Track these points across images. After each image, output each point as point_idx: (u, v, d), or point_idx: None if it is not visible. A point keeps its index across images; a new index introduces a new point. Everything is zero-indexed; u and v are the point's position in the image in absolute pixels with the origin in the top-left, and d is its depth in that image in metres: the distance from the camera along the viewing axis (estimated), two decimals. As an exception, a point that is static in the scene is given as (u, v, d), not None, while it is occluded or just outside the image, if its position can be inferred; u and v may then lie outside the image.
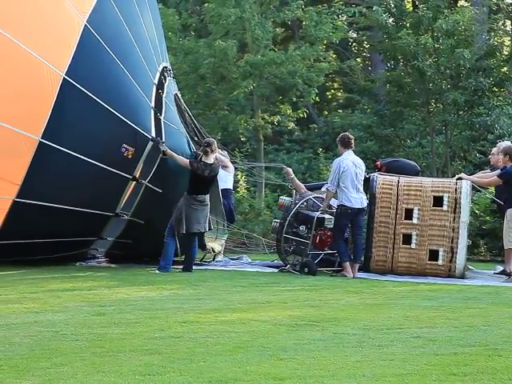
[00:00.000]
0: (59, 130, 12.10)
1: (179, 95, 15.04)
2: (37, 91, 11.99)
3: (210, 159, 12.96)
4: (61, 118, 12.08)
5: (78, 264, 13.35)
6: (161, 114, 13.30)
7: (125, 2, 13.26)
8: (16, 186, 12.00)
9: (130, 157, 12.66)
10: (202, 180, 12.91)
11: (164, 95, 13.62)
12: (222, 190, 14.62)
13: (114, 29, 12.90)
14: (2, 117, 11.60)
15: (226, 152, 15.64)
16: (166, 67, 14.32)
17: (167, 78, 14.09)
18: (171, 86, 14.25)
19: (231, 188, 15.33)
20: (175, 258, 13.24)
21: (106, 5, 12.73)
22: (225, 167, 14.89)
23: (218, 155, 14.54)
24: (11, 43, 11.61)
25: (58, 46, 12.18)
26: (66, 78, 12.06)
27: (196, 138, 14.28)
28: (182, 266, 13.04)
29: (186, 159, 13.04)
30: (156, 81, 13.54)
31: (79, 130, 12.39)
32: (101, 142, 12.56)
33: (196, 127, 14.95)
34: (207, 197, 13.05)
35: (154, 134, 12.94)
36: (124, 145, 12.62)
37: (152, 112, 13.13)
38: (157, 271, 12.68)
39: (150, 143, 12.82)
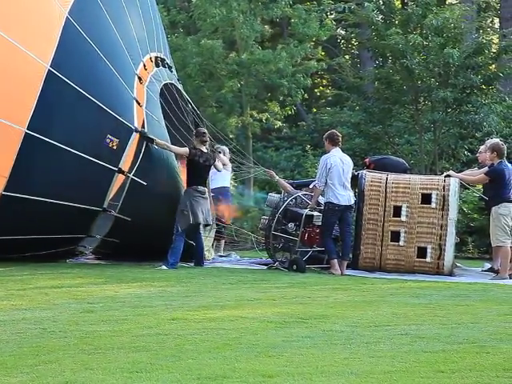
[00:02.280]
0: (45, 121, 12.08)
1: (178, 85, 14.99)
2: (22, 82, 11.95)
3: (204, 148, 13.08)
4: (46, 109, 12.04)
5: (68, 261, 13.33)
6: (142, 104, 13.28)
7: None
8: (3, 179, 11.97)
9: (114, 148, 12.66)
10: (198, 168, 13.09)
11: (146, 84, 13.57)
12: (220, 187, 14.67)
13: (95, 20, 12.86)
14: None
15: (226, 148, 15.65)
16: (158, 57, 14.27)
17: (155, 68, 14.03)
18: (159, 76, 14.18)
19: (228, 186, 15.36)
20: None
21: None
22: (223, 165, 14.94)
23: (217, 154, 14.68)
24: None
25: (42, 38, 12.15)
26: (51, 69, 12.04)
27: (200, 128, 14.28)
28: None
29: (182, 148, 13.26)
30: (138, 71, 13.48)
31: (64, 121, 12.38)
32: (86, 133, 12.54)
33: (198, 115, 15.00)
34: (206, 189, 13.22)
35: (136, 124, 12.92)
36: (108, 135, 12.62)
37: (134, 102, 13.11)
38: (163, 267, 12.72)
39: (134, 134, 12.82)
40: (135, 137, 12.90)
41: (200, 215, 12.97)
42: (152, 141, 12.98)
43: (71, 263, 13.28)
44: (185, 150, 13.23)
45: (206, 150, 13.23)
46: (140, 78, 13.45)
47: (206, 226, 13.69)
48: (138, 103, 13.20)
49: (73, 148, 12.27)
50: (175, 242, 12.90)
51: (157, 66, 14.13)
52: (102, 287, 10.31)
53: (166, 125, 13.85)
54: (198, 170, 13.11)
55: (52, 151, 12.15)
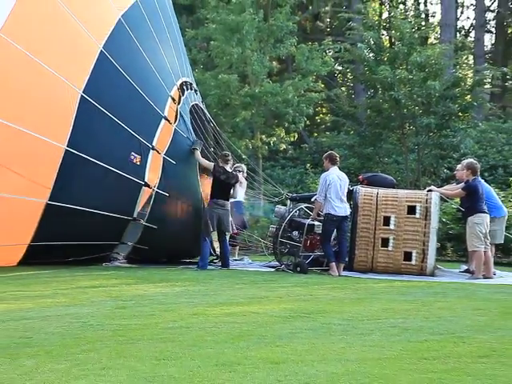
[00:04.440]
0: (81, 139, 12.03)
1: (202, 106, 15.02)
2: (59, 106, 11.92)
3: (227, 168, 13.16)
4: (82, 129, 12.01)
5: (103, 264, 13.33)
6: (173, 123, 13.30)
7: (141, 27, 13.17)
8: (48, 190, 11.95)
9: (138, 163, 12.69)
10: (220, 184, 13.14)
11: (179, 106, 13.61)
12: (235, 202, 14.67)
13: (128, 52, 12.81)
14: (32, 128, 11.54)
15: (244, 167, 15.65)
16: (187, 81, 14.28)
17: (185, 91, 14.05)
18: (189, 98, 14.19)
19: (242, 200, 15.35)
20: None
21: (122, 32, 12.68)
22: (239, 183, 14.94)
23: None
24: (37, 64, 11.57)
25: (77, 68, 12.11)
26: (83, 95, 12.02)
27: (212, 149, 14.30)
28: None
29: (209, 163, 13.42)
30: (172, 93, 13.50)
31: (97, 139, 12.32)
32: (115, 150, 12.53)
33: (219, 135, 15.02)
34: (227, 202, 13.22)
35: (155, 143, 12.92)
36: (132, 153, 12.65)
37: (163, 120, 13.11)
38: (197, 269, 12.83)
39: (151, 151, 12.84)
40: (153, 154, 12.90)
41: (220, 224, 13.03)
42: (194, 151, 13.29)
43: (107, 266, 13.28)
44: (209, 164, 13.38)
45: (229, 170, 13.30)
46: (174, 99, 13.47)
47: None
48: (169, 121, 13.21)
49: (105, 163, 12.28)
50: (203, 249, 13.01)
51: (186, 89, 14.15)
52: (134, 287, 10.31)
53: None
54: (220, 186, 13.17)
55: (88, 166, 12.13)
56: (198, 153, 13.38)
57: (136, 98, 12.74)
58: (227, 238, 13.66)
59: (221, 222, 13.07)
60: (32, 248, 12.21)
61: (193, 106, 14.27)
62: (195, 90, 14.88)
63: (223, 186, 13.22)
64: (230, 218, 13.37)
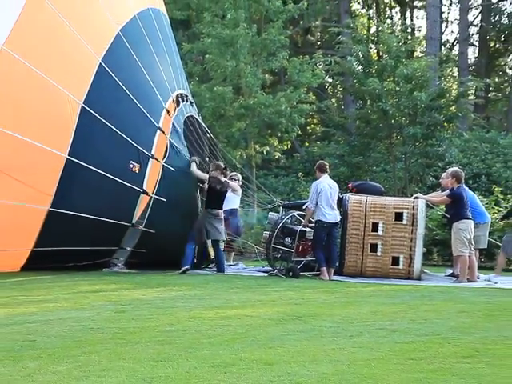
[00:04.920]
0: (82, 148, 12.02)
1: (197, 117, 15.02)
2: (61, 116, 11.92)
3: (222, 178, 13.16)
4: (82, 138, 12.01)
5: (103, 270, 13.31)
6: (167, 134, 13.31)
7: (138, 41, 13.19)
8: (49, 197, 11.93)
9: (137, 171, 12.70)
10: (215, 193, 13.12)
11: (173, 117, 13.62)
12: (231, 209, 14.65)
13: (126, 65, 12.81)
14: (34, 137, 11.54)
15: (239, 175, 15.63)
16: (182, 94, 14.28)
17: (180, 103, 14.05)
18: (184, 109, 14.17)
19: (237, 208, 15.33)
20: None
21: (120, 46, 12.70)
22: (234, 190, 14.93)
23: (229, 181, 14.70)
24: (39, 77, 11.58)
25: (77, 80, 12.11)
26: (84, 106, 12.03)
27: (207, 159, 14.29)
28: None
29: (204, 174, 13.37)
30: (167, 106, 13.52)
31: (98, 148, 12.31)
32: (115, 159, 12.52)
33: (214, 145, 15.02)
34: (220, 212, 13.19)
35: (154, 152, 12.94)
36: (131, 161, 12.67)
37: (158, 131, 13.12)
38: (180, 272, 12.81)
39: (151, 160, 12.86)
40: (152, 162, 12.93)
41: (212, 233, 13.04)
42: (190, 163, 13.28)
43: (106, 272, 13.26)
44: (204, 176, 13.34)
45: (223, 179, 13.30)
46: (168, 111, 13.47)
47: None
48: (163, 132, 13.22)
49: (105, 171, 12.26)
50: (186, 248, 12.96)
51: (181, 101, 14.16)
52: (132, 291, 10.32)
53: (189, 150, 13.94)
54: (215, 195, 13.15)
55: (88, 174, 12.11)
56: (193, 165, 13.36)
57: (133, 109, 12.76)
58: (221, 244, 13.65)
59: (214, 231, 13.05)
60: (34, 253, 12.19)
61: (188, 117, 14.28)
62: (191, 102, 14.88)
63: (218, 196, 13.22)
64: (222, 226, 13.34)
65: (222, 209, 13.31)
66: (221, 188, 13.20)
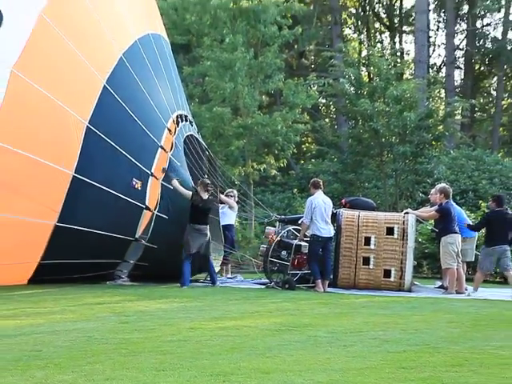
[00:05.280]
0: (87, 166, 12.01)
1: (197, 136, 15.02)
2: (67, 135, 11.90)
3: (205, 195, 13.02)
4: (88, 157, 11.99)
5: (107, 283, 13.28)
6: (168, 151, 13.31)
7: (140, 65, 13.19)
8: (56, 213, 11.90)
9: (139, 188, 12.70)
10: (198, 210, 12.90)
11: (174, 137, 13.63)
12: (227, 225, 14.62)
13: (129, 87, 12.82)
14: (42, 155, 11.53)
15: (236, 192, 15.62)
16: (182, 114, 14.29)
17: (180, 123, 14.05)
18: (184, 129, 14.17)
19: (233, 223, 15.31)
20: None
21: (123, 69, 12.72)
22: (231, 207, 14.93)
23: (225, 198, 14.64)
24: (47, 98, 11.58)
25: (82, 101, 12.10)
26: (89, 126, 12.03)
27: (206, 177, 14.22)
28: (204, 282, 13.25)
29: (187, 191, 13.11)
30: (168, 125, 13.51)
31: (102, 166, 12.28)
32: (118, 176, 12.50)
33: (214, 162, 15.01)
34: (205, 227, 12.98)
35: (154, 170, 12.92)
36: (134, 178, 12.67)
37: (159, 149, 13.13)
38: (181, 286, 12.72)
39: (151, 177, 12.84)
40: (153, 180, 12.92)
41: (196, 247, 12.82)
42: (171, 179, 13.04)
43: (110, 285, 13.24)
44: (188, 194, 13.05)
45: (206, 197, 13.08)
46: (170, 130, 13.49)
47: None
48: (165, 150, 13.23)
49: (109, 188, 12.26)
50: (183, 267, 12.82)
51: (181, 121, 14.17)
52: (136, 303, 10.29)
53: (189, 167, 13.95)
54: (197, 212, 12.91)
55: (93, 190, 12.09)
56: (176, 182, 13.17)
57: (136, 128, 12.78)
58: (211, 259, 13.51)
59: (196, 245, 12.90)
60: (41, 266, 12.17)
61: (188, 136, 14.30)
62: (190, 122, 14.90)
63: (201, 212, 12.99)
64: (206, 239, 13.11)
65: (206, 224, 13.05)
66: (203, 205, 13.03)
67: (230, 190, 15.43)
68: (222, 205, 14.75)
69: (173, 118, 13.70)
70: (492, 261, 12.67)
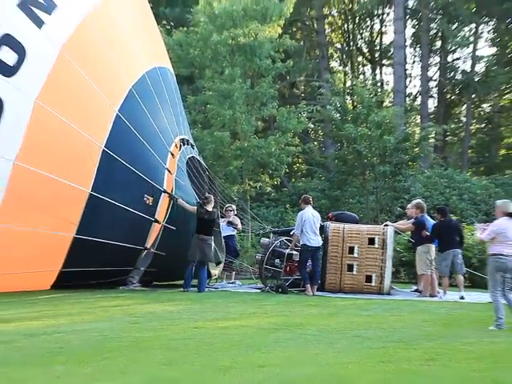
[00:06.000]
0: (103, 184, 12.03)
1: (198, 157, 15.03)
2: (84, 157, 11.93)
3: (209, 208, 13.05)
4: (103, 176, 12.02)
5: (121, 288, 13.28)
6: (173, 173, 13.36)
7: (147, 95, 13.24)
8: (74, 226, 11.91)
9: (150, 204, 12.73)
10: (203, 222, 12.90)
11: (177, 159, 13.66)
12: (228, 235, 14.66)
13: (137, 115, 12.87)
14: (62, 175, 11.57)
15: (234, 206, 15.56)
16: (184, 138, 14.31)
17: (182, 147, 14.08)
18: (186, 152, 14.20)
19: (234, 234, 15.31)
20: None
21: (132, 99, 12.77)
22: (235, 226, 15.01)
23: (233, 219, 14.68)
24: (67, 125, 11.61)
25: (98, 128, 12.14)
26: (105, 149, 12.08)
27: (207, 194, 14.18)
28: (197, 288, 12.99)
29: (192, 207, 13.13)
30: (171, 149, 13.55)
31: (116, 184, 12.29)
32: (131, 193, 12.52)
33: (212, 185, 15.04)
34: (209, 237, 12.95)
35: (165, 187, 13.00)
36: (145, 195, 12.69)
37: (166, 171, 13.19)
38: (184, 289, 12.71)
39: (163, 194, 12.90)
40: (164, 196, 12.99)
41: (200, 255, 12.78)
42: (176, 199, 13.07)
43: (123, 289, 13.23)
44: (193, 209, 13.04)
45: (210, 209, 13.11)
46: (172, 154, 13.54)
47: (217, 263, 13.80)
48: (170, 172, 13.28)
49: (122, 204, 12.28)
50: (186, 273, 12.85)
51: (183, 144, 14.22)
52: (146, 306, 10.29)
53: (193, 186, 13.98)
54: (203, 224, 12.89)
55: (108, 206, 12.10)
56: (180, 200, 13.20)
57: (145, 151, 12.84)
58: (207, 267, 13.49)
59: (204, 254, 12.89)
60: (62, 274, 12.17)
61: (189, 158, 14.37)
62: (191, 145, 14.95)
63: (206, 224, 12.99)
64: (210, 249, 13.02)
65: (210, 235, 13.03)
66: (208, 217, 13.04)
67: (229, 205, 15.44)
68: (223, 218, 14.80)
69: (175, 143, 13.78)
70: (448, 264, 12.63)
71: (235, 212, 15.36)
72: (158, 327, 7.86)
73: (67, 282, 12.17)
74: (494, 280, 8.30)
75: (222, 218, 14.74)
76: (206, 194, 13.65)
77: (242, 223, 15.63)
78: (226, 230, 14.65)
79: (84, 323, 8.18)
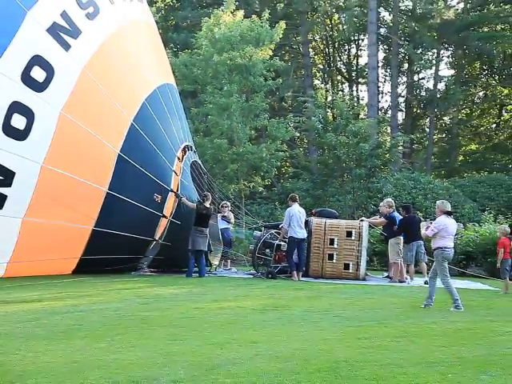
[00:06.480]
0: (118, 184, 11.96)
1: (199, 162, 15.00)
2: (103, 161, 11.88)
3: (207, 204, 13.00)
4: (119, 177, 11.97)
5: (132, 273, 13.23)
6: (179, 175, 13.31)
7: (158, 107, 13.13)
8: (93, 220, 11.88)
9: (159, 201, 12.69)
10: (201, 216, 12.85)
11: (182, 163, 13.62)
12: (224, 228, 14.62)
13: (150, 124, 12.77)
14: (84, 176, 11.52)
15: (228, 203, 15.51)
16: (188, 145, 14.28)
17: (187, 152, 14.04)
18: (189, 157, 14.14)
19: (229, 226, 15.26)
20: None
21: (145, 110, 12.70)
22: (229, 222, 14.95)
23: (228, 214, 14.62)
24: (88, 133, 11.55)
25: (115, 135, 12.08)
26: (120, 153, 12.01)
27: (206, 192, 14.12)
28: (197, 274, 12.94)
29: (193, 204, 13.10)
30: (178, 154, 13.50)
31: (129, 184, 12.21)
32: (143, 192, 12.44)
33: (211, 185, 14.99)
34: (206, 229, 12.90)
35: (172, 187, 12.95)
36: (155, 194, 12.65)
37: (173, 173, 13.13)
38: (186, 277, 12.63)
39: (170, 193, 12.84)
40: (171, 195, 12.95)
41: (198, 245, 12.72)
42: (181, 198, 13.03)
43: (134, 274, 13.19)
44: (193, 205, 13.03)
45: (207, 206, 13.04)
46: (179, 158, 13.49)
47: (211, 251, 13.73)
48: (176, 174, 13.23)
49: (135, 201, 12.23)
50: (188, 261, 12.79)
51: (188, 150, 14.17)
52: (154, 289, 10.26)
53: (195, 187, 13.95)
54: (201, 218, 12.84)
55: (123, 203, 12.05)
56: (184, 198, 13.15)
57: (155, 156, 12.78)
58: (207, 255, 13.43)
59: (201, 244, 12.76)
60: (82, 260, 12.12)
61: (192, 162, 14.34)
62: (194, 151, 14.92)
63: (203, 217, 12.93)
64: (205, 240, 12.94)
65: (206, 227, 12.97)
66: (206, 212, 12.99)
67: (224, 202, 15.39)
68: (220, 214, 14.75)
69: (181, 148, 13.74)
70: (413, 254, 12.71)
71: (230, 208, 15.32)
72: (164, 307, 7.84)
73: (86, 267, 12.11)
74: (442, 269, 8.45)
75: (219, 213, 14.70)
76: (205, 192, 13.65)
77: (235, 217, 15.58)
78: (221, 224, 14.61)
79: (100, 303, 8.15)
